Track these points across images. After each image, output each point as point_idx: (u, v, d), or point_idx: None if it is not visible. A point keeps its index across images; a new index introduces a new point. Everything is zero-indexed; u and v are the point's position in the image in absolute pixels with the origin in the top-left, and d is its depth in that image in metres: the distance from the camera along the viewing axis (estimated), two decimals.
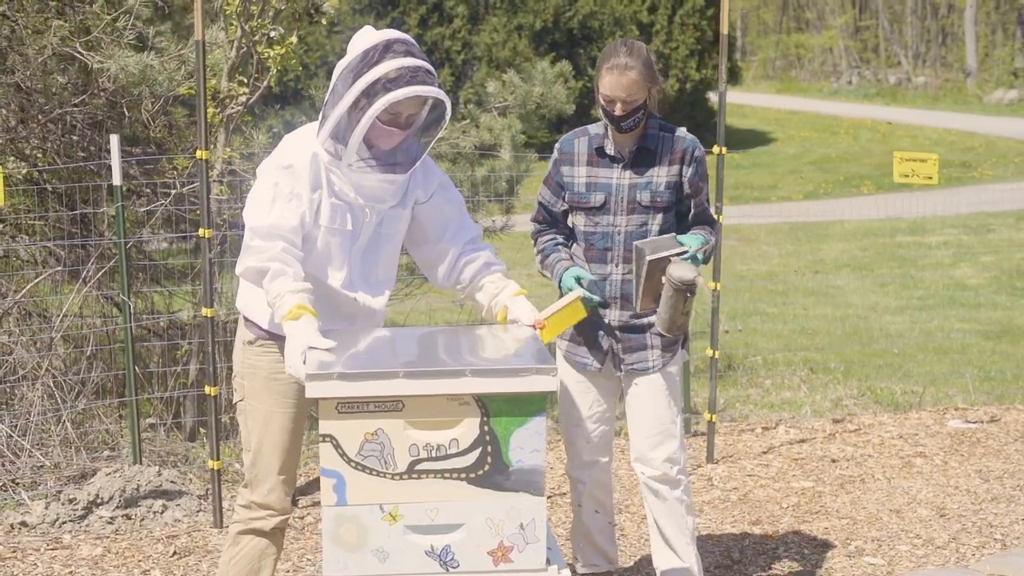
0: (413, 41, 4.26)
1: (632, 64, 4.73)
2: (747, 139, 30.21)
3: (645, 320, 4.91)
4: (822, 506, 6.54)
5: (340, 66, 4.22)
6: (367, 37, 4.22)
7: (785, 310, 12.68)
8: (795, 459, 7.34)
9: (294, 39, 7.29)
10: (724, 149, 7.08)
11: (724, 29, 6.95)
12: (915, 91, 42.38)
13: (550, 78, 8.86)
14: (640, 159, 4.87)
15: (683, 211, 4.96)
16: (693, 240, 4.75)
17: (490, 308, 4.47)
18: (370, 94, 4.09)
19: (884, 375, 9.53)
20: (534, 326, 4.33)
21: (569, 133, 5.01)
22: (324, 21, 7.70)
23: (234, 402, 4.59)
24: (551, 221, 5.03)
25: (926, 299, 13.00)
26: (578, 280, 4.76)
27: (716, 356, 7.38)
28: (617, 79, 4.74)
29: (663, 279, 4.64)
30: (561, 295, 4.78)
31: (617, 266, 4.85)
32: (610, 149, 4.88)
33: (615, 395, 5.08)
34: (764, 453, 7.48)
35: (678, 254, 4.65)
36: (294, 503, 6.32)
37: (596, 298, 4.80)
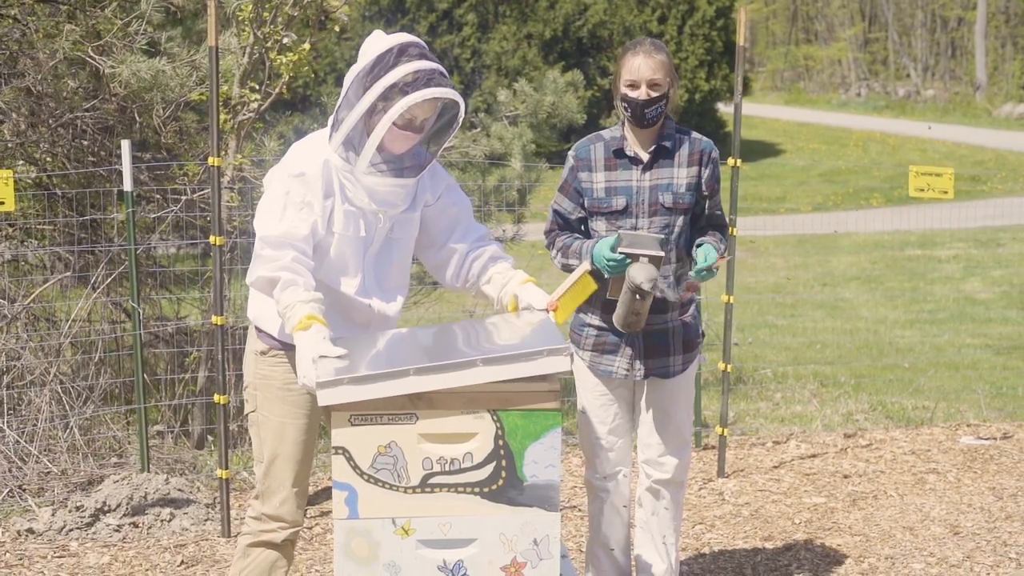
0: (425, 44, 4.24)
1: (656, 51, 4.73)
2: (755, 150, 30.15)
3: (669, 325, 4.88)
4: (834, 522, 6.49)
5: (352, 72, 4.18)
6: (379, 42, 4.18)
7: (794, 323, 12.62)
8: (807, 474, 7.28)
9: (307, 46, 7.25)
10: (739, 161, 7.03)
11: (741, 40, 6.91)
12: (924, 104, 42.30)
13: (561, 87, 8.82)
14: (659, 161, 4.83)
15: (697, 212, 4.92)
16: (708, 254, 4.68)
17: (500, 299, 4.41)
18: (387, 98, 4.07)
19: (895, 390, 9.48)
20: (547, 309, 4.28)
21: (583, 140, 4.96)
22: (337, 28, 7.66)
23: (245, 413, 4.54)
24: (567, 228, 4.97)
25: (936, 313, 12.94)
26: (612, 248, 4.62)
27: (728, 370, 7.33)
28: (644, 60, 4.70)
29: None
30: (608, 268, 4.67)
31: None
32: (630, 150, 4.83)
33: (635, 402, 5.04)
34: (775, 468, 7.42)
35: (652, 256, 4.58)
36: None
37: (660, 236, 4.69)
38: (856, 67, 50.76)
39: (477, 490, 3.95)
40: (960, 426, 8.33)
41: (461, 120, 4.25)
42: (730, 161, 7.02)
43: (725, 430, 7.30)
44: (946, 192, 7.44)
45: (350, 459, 3.91)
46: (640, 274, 4.53)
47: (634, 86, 4.73)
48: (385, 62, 4.10)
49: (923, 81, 47.64)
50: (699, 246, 4.79)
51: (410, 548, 3.95)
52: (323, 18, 7.56)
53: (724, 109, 30.93)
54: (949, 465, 7.43)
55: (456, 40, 27.44)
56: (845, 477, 7.22)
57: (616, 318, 4.70)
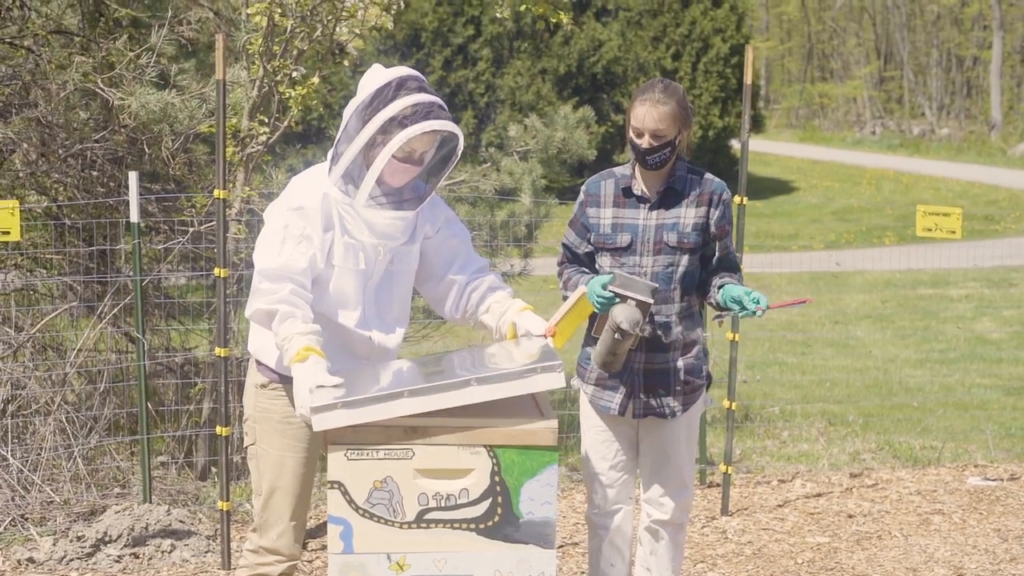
0: (423, 77, 4.27)
1: (666, 100, 4.72)
2: (769, 188, 30.17)
3: (669, 365, 4.86)
4: (837, 562, 6.45)
5: (351, 105, 4.22)
6: (378, 76, 4.22)
7: (804, 360, 12.59)
8: (811, 513, 7.25)
9: (316, 80, 7.29)
10: (744, 199, 7.04)
11: (748, 79, 6.92)
12: (939, 143, 42.30)
13: (572, 123, 8.84)
14: (667, 200, 4.84)
15: (707, 255, 4.91)
16: (760, 298, 4.66)
17: (498, 328, 4.42)
18: (386, 131, 4.09)
19: (903, 429, 9.44)
20: (545, 335, 4.27)
21: (595, 175, 4.98)
22: (347, 62, 7.69)
23: (245, 446, 4.54)
24: (575, 262, 4.99)
25: (947, 352, 12.90)
26: (604, 286, 4.61)
27: (733, 408, 7.31)
28: (648, 110, 4.71)
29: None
30: (597, 305, 4.66)
31: None
32: (637, 189, 4.85)
33: (636, 441, 5.01)
34: (780, 506, 7.39)
35: (640, 301, 4.58)
36: (304, 547, 6.26)
37: (654, 284, 4.68)
38: (871, 105, 50.81)
39: (473, 526, 3.95)
40: (967, 467, 8.29)
41: (460, 153, 4.28)
42: (736, 198, 7.02)
43: (729, 468, 7.27)
44: (954, 232, 7.42)
45: (345, 493, 3.91)
46: (622, 314, 4.54)
47: (639, 134, 4.75)
48: (384, 95, 4.13)
49: (938, 120, 47.66)
50: (721, 287, 4.79)
51: None
52: (337, 51, 7.59)
53: (737, 146, 30.94)
54: (955, 506, 7.39)
55: (471, 75, 27.54)
56: (850, 517, 7.19)
57: (594, 355, 4.73)
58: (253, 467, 4.49)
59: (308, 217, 4.20)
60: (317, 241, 4.21)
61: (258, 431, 4.44)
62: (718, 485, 7.61)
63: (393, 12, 7.35)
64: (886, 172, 33.12)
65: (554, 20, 7.97)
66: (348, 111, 4.21)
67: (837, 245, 22.35)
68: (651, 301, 4.58)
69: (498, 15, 8.00)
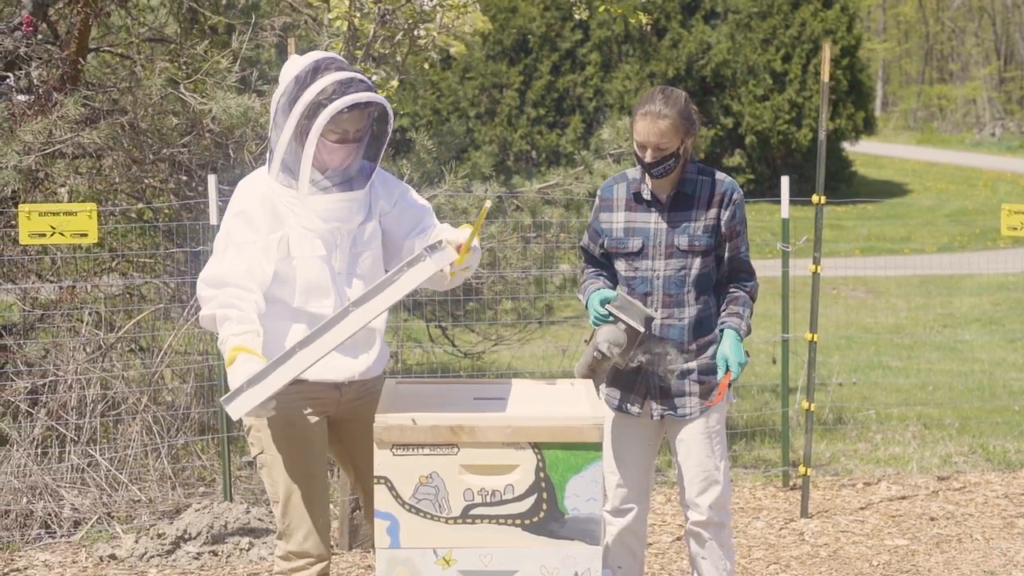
0: (341, 58, 4.31)
1: (665, 113, 4.70)
2: (882, 190, 29.73)
3: (683, 366, 4.83)
4: (914, 565, 6.36)
5: (275, 98, 4.26)
6: (295, 64, 4.26)
7: (909, 364, 12.39)
8: (893, 516, 7.14)
9: (395, 83, 7.35)
10: (823, 198, 6.96)
11: (825, 77, 6.86)
12: None
13: None
14: (678, 203, 4.84)
15: (720, 255, 4.91)
16: (730, 357, 4.76)
17: None
18: (311, 115, 4.12)
19: (1000, 433, 9.26)
20: (458, 249, 4.17)
21: (610, 179, 5.01)
22: (427, 65, 7.74)
23: (253, 456, 4.50)
24: (592, 263, 5.02)
25: None
26: (603, 302, 4.70)
27: (812, 409, 7.24)
28: (648, 126, 4.71)
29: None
30: (592, 319, 4.73)
31: (657, 311, 4.79)
32: (647, 194, 4.85)
33: (654, 443, 4.99)
34: (861, 509, 7.29)
35: (630, 327, 4.61)
36: (365, 546, 6.31)
37: (652, 313, 4.72)
38: (991, 106, 49.87)
39: (518, 522, 3.97)
40: None
41: (392, 120, 4.29)
42: (813, 199, 6.96)
43: (809, 470, 7.20)
44: None
45: (392, 488, 3.95)
46: (605, 336, 4.63)
47: (642, 148, 4.75)
48: (303, 81, 4.17)
49: None
50: (721, 330, 4.82)
51: None
52: (437, 56, 7.62)
53: (849, 148, 30.58)
54: None
55: (579, 79, 27.51)
56: (932, 520, 7.07)
57: (577, 366, 4.79)
58: (265, 475, 4.44)
59: (249, 219, 4.25)
60: (261, 243, 4.24)
61: (263, 439, 4.39)
62: (800, 487, 7.52)
63: (470, 12, 7.35)
64: (1003, 174, 32.49)
65: (633, 20, 7.95)
66: (273, 105, 4.26)
67: (950, 248, 21.96)
68: (642, 330, 4.63)
69: (576, 16, 8.01)
